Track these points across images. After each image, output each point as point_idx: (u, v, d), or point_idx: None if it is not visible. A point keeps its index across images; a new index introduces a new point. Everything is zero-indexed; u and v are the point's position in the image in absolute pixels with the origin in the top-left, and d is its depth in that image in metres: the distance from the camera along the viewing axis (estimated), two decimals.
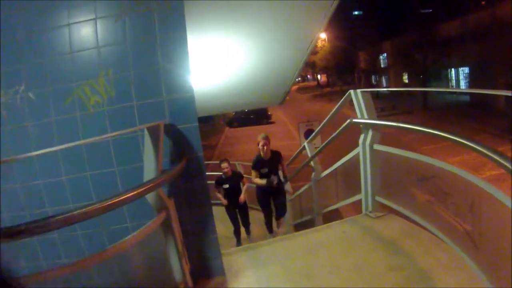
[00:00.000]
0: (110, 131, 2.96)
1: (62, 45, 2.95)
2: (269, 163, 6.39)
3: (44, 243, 3.13)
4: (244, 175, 7.77)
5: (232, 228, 7.75)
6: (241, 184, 7.56)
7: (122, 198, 2.03)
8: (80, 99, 2.96)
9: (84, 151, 3.00)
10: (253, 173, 6.45)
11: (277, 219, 7.20)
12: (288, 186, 7.64)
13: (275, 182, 6.27)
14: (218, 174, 7.53)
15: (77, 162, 3.01)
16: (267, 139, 6.27)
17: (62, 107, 2.97)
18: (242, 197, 7.31)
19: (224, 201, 7.29)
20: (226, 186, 7.27)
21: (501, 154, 2.09)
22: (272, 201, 6.89)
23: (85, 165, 3.02)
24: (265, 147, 6.22)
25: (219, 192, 7.33)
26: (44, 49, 2.97)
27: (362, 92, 4.24)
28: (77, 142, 2.87)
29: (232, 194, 7.30)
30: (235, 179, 7.40)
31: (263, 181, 6.30)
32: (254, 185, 6.77)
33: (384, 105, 32.01)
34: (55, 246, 3.13)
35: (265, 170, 6.36)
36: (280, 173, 6.77)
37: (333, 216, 6.33)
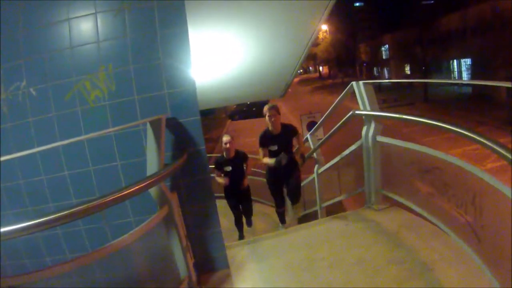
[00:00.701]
0: (112, 126, 2.96)
1: (62, 40, 2.94)
2: (279, 138, 5.24)
3: (47, 239, 3.15)
4: (249, 156, 6.51)
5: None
6: (244, 167, 6.37)
7: (124, 193, 2.04)
8: (81, 94, 2.95)
9: (86, 146, 3.00)
10: (261, 151, 5.40)
11: (293, 205, 5.91)
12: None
13: (284, 161, 5.09)
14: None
15: (79, 157, 3.01)
16: (274, 109, 5.17)
17: (63, 102, 2.96)
18: (245, 182, 6.21)
19: (225, 180, 6.00)
20: (229, 169, 6.09)
21: (502, 146, 2.09)
22: (285, 185, 5.72)
23: (88, 160, 3.02)
24: (272, 119, 5.11)
25: (218, 176, 6.14)
26: (45, 44, 2.96)
27: (364, 83, 4.22)
28: (79, 138, 2.87)
29: (234, 178, 6.11)
30: (238, 160, 6.20)
31: (271, 161, 5.20)
32: (264, 171, 5.92)
33: (385, 97, 31.96)
34: (59, 242, 3.14)
35: (275, 147, 5.26)
36: (297, 150, 5.55)
37: (336, 208, 6.33)
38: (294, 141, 5.51)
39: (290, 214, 6.72)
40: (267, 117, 5.16)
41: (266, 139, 5.31)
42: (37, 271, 1.89)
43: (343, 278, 2.97)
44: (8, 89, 2.97)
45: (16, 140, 3.00)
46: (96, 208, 1.84)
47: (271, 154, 5.32)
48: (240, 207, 6.58)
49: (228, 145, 6.01)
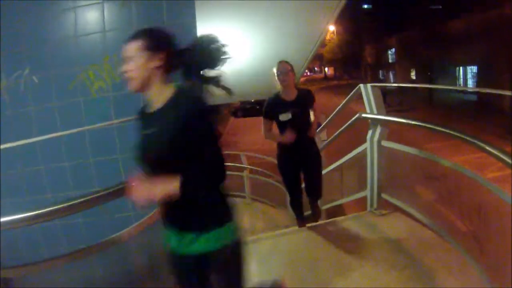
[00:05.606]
0: (115, 118, 2.92)
1: (67, 29, 2.91)
2: (294, 105, 3.78)
3: (45, 231, 3.11)
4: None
5: None
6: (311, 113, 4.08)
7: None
8: (84, 84, 2.92)
9: (87, 137, 2.97)
10: (265, 123, 3.86)
11: (312, 202, 4.41)
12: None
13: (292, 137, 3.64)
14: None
15: (79, 148, 2.98)
16: (288, 65, 3.82)
17: (65, 92, 2.93)
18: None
19: (288, 137, 3.57)
20: (287, 117, 3.73)
21: (507, 154, 2.06)
22: (304, 175, 4.19)
23: (88, 151, 2.99)
24: (285, 78, 3.74)
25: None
26: (49, 33, 2.93)
27: (372, 86, 4.18)
28: (79, 129, 2.84)
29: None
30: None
31: (284, 137, 3.70)
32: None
33: (390, 101, 31.86)
34: (56, 234, 3.11)
35: (287, 116, 3.74)
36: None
37: (336, 212, 6.29)
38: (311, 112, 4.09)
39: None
40: (277, 77, 3.80)
41: (274, 106, 3.85)
42: (34, 263, 1.86)
43: (344, 282, 2.94)
44: (10, 76, 2.93)
45: (16, 128, 2.97)
46: (97, 201, 1.81)
47: (282, 128, 3.82)
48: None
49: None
